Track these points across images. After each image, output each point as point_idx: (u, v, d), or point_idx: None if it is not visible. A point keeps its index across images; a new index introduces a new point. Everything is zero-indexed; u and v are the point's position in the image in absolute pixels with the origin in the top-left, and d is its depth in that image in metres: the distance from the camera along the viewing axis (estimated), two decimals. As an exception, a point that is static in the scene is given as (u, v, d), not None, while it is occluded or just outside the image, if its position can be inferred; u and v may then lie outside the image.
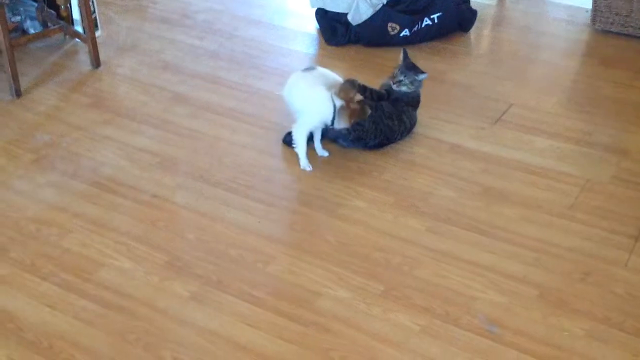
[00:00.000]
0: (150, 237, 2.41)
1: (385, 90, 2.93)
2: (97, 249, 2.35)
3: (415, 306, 2.16)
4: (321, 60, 3.62)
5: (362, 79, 3.08)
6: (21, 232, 2.42)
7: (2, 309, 2.13)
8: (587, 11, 3.89)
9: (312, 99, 2.71)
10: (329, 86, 2.73)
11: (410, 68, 2.93)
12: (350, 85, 2.75)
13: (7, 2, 3.08)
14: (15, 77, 3.15)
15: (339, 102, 2.67)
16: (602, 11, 3.73)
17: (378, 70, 3.43)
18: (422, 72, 2.93)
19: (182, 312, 2.13)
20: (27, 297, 2.17)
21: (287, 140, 2.84)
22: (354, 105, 2.68)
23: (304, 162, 2.73)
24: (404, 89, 2.90)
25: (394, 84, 2.90)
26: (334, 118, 2.68)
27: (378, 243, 2.40)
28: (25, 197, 2.59)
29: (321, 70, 2.82)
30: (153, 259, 2.32)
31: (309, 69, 2.86)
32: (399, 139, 2.88)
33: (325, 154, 2.82)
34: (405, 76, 2.89)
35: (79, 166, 2.75)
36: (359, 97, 2.72)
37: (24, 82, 3.23)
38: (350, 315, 2.13)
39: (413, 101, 2.95)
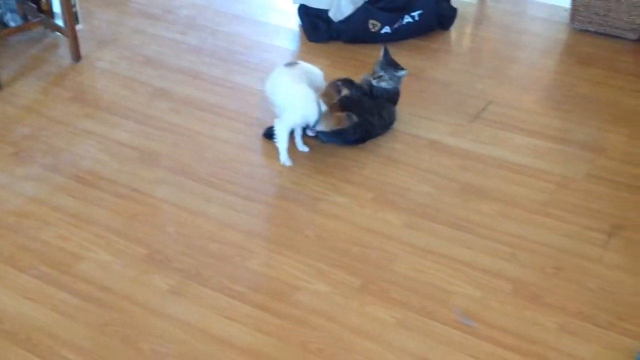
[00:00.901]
0: (129, 230, 2.42)
1: (367, 85, 2.96)
2: (76, 242, 2.36)
3: (392, 300, 2.19)
4: (303, 56, 3.63)
5: (344, 75, 3.11)
6: (0, 225, 2.42)
7: (-20, 302, 2.13)
8: (565, 10, 3.94)
9: (297, 97, 2.73)
10: (312, 82, 2.75)
11: (390, 64, 2.96)
12: (333, 88, 2.78)
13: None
14: (-5, 70, 3.14)
15: (324, 107, 2.70)
16: (580, 10, 3.78)
17: (359, 66, 3.45)
18: (402, 69, 2.96)
19: (162, 305, 2.15)
20: (5, 289, 2.17)
21: (268, 133, 2.86)
22: (339, 113, 2.71)
23: (284, 157, 2.75)
24: (383, 84, 2.93)
25: (374, 79, 2.93)
26: (317, 120, 2.70)
27: (357, 238, 2.42)
28: (5, 190, 2.58)
29: (304, 65, 2.84)
30: (132, 253, 2.33)
31: (292, 64, 2.87)
32: (378, 135, 2.91)
33: (306, 149, 2.84)
34: (385, 72, 2.93)
35: (59, 160, 2.74)
36: (345, 91, 2.75)
37: (3, 75, 3.22)
38: (328, 308, 2.15)
39: (392, 97, 2.98)
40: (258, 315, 2.13)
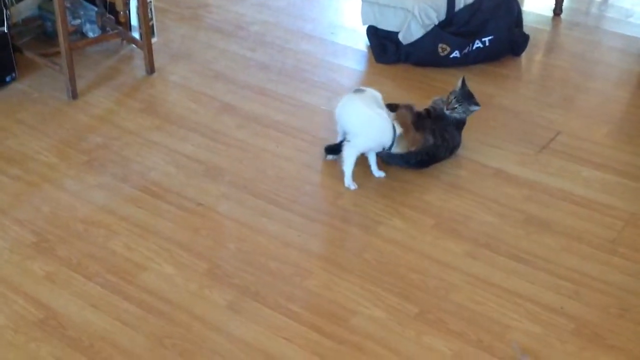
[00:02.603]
0: (192, 244, 2.47)
1: (434, 109, 2.93)
2: (141, 252, 2.42)
3: (449, 331, 2.17)
4: (370, 77, 3.65)
5: (410, 98, 3.11)
6: (70, 232, 2.50)
7: (47, 306, 2.20)
8: (642, 42, 3.85)
9: (373, 123, 2.71)
10: (379, 106, 2.76)
11: (467, 97, 2.92)
12: (406, 110, 2.77)
13: (68, 5, 3.18)
14: (72, 79, 3.25)
15: (399, 130, 2.70)
16: (657, 42, 3.68)
17: (425, 89, 3.44)
18: (477, 104, 2.93)
19: (219, 321, 2.18)
20: (72, 296, 2.24)
21: (330, 148, 2.89)
22: (415, 134, 2.71)
23: (348, 181, 2.75)
24: (456, 115, 2.91)
25: (447, 109, 2.90)
26: (392, 144, 2.70)
27: (416, 264, 2.41)
28: (76, 197, 2.67)
29: (372, 92, 2.84)
30: (194, 266, 2.37)
31: (360, 90, 2.87)
32: (442, 159, 2.89)
33: (382, 174, 2.82)
34: (460, 105, 2.90)
35: (129, 170, 2.82)
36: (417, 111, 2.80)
37: (80, 85, 3.33)
38: (384, 335, 2.15)
39: (459, 123, 2.95)
40: (314, 337, 2.13)
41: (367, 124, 2.73)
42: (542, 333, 2.17)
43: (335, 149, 2.87)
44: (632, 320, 2.22)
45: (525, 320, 2.21)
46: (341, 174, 2.77)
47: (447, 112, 2.89)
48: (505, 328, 2.18)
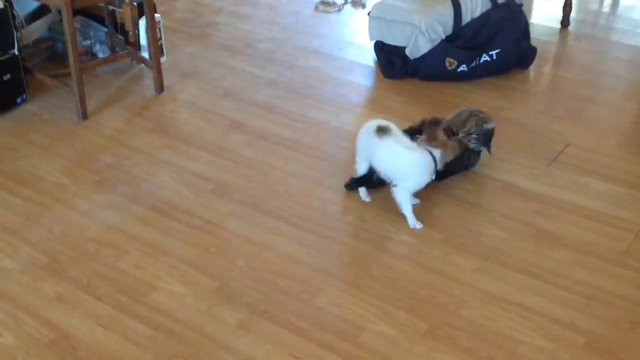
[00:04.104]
0: (202, 262, 2.48)
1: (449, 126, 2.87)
2: (151, 271, 2.43)
3: (459, 347, 2.16)
4: (378, 92, 3.66)
5: (418, 112, 3.11)
6: (80, 252, 2.52)
7: (58, 327, 2.21)
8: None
9: (418, 163, 2.64)
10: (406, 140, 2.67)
11: (487, 139, 2.87)
12: (432, 124, 2.72)
13: (78, 26, 3.22)
14: (82, 100, 3.29)
15: (437, 152, 2.64)
16: (666, 52, 3.67)
17: (433, 103, 3.45)
18: (489, 149, 2.89)
19: (229, 339, 2.18)
20: (82, 316, 2.25)
21: (350, 185, 2.81)
22: (450, 143, 2.67)
23: (412, 221, 2.65)
24: (469, 144, 2.83)
25: (462, 132, 2.83)
26: (437, 168, 2.66)
27: (424, 280, 2.41)
28: (86, 217, 2.69)
29: (394, 127, 2.67)
30: (204, 285, 2.38)
31: (384, 129, 2.64)
32: (455, 173, 2.86)
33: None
34: (477, 142, 2.84)
35: (138, 189, 2.84)
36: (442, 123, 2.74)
37: (90, 105, 3.37)
38: (393, 352, 2.14)
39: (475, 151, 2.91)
40: (323, 354, 2.13)
41: (413, 166, 2.64)
42: (553, 348, 2.15)
43: (363, 181, 2.77)
44: (644, 334, 2.20)
45: (535, 336, 2.20)
46: (355, 193, 2.77)
47: (461, 135, 2.81)
48: (516, 343, 2.17)
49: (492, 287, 2.38)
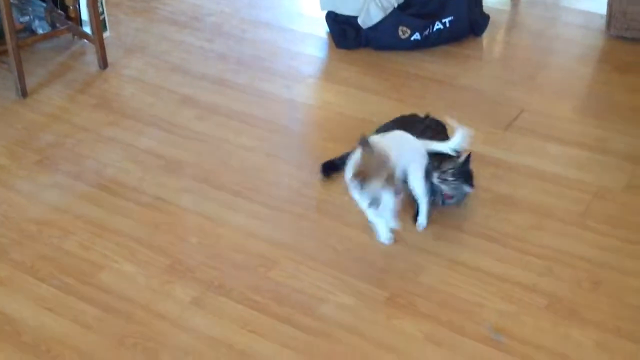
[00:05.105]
0: (152, 240, 2.38)
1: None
2: (98, 251, 2.32)
3: (419, 313, 2.11)
4: (331, 64, 3.58)
5: (374, 83, 3.02)
6: (22, 234, 2.39)
7: (0, 312, 2.10)
8: (602, 17, 3.83)
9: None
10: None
11: (464, 175, 2.41)
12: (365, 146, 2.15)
13: (15, 2, 3.06)
14: (21, 77, 3.13)
15: (387, 192, 2.20)
16: (617, 17, 3.66)
17: (389, 73, 3.39)
18: (472, 186, 2.42)
19: (183, 317, 2.09)
20: (26, 299, 2.14)
21: (325, 172, 2.56)
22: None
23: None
24: (444, 187, 2.40)
25: (438, 178, 2.39)
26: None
27: (384, 249, 2.35)
28: (28, 198, 2.56)
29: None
30: (155, 262, 2.28)
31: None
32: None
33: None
34: (454, 180, 2.38)
35: (83, 168, 2.72)
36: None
37: (30, 83, 3.21)
38: (353, 322, 2.08)
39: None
40: (282, 328, 2.06)
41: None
42: (515, 311, 2.12)
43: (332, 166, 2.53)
44: (605, 294, 2.18)
45: (496, 300, 2.16)
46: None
47: (436, 179, 2.39)
48: (477, 308, 2.13)
49: (451, 252, 2.33)
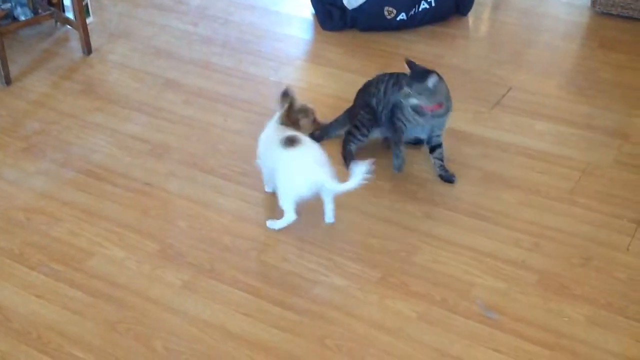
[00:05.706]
0: (141, 225, 2.36)
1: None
2: (87, 237, 2.30)
3: (412, 293, 2.11)
4: (317, 45, 3.56)
5: (360, 64, 3.01)
6: (10, 221, 2.37)
7: (-11, 300, 2.08)
8: (586, -7, 3.83)
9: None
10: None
11: (418, 76, 2.42)
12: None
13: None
14: (4, 65, 3.09)
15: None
16: (602, -7, 3.67)
17: (375, 54, 3.37)
18: (437, 75, 2.41)
19: (174, 301, 2.08)
20: (15, 286, 2.12)
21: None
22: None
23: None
24: (413, 100, 2.42)
25: (403, 98, 2.45)
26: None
27: (375, 230, 2.35)
28: (15, 185, 2.53)
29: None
30: (144, 248, 2.27)
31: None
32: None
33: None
34: (411, 87, 2.41)
35: (70, 154, 2.69)
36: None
37: (14, 70, 3.17)
38: (346, 302, 2.08)
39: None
40: (275, 310, 2.06)
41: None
42: (505, 288, 2.13)
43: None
44: (595, 269, 2.20)
45: (487, 277, 2.17)
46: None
47: (402, 98, 2.43)
48: (469, 286, 2.14)
49: (442, 232, 2.34)
